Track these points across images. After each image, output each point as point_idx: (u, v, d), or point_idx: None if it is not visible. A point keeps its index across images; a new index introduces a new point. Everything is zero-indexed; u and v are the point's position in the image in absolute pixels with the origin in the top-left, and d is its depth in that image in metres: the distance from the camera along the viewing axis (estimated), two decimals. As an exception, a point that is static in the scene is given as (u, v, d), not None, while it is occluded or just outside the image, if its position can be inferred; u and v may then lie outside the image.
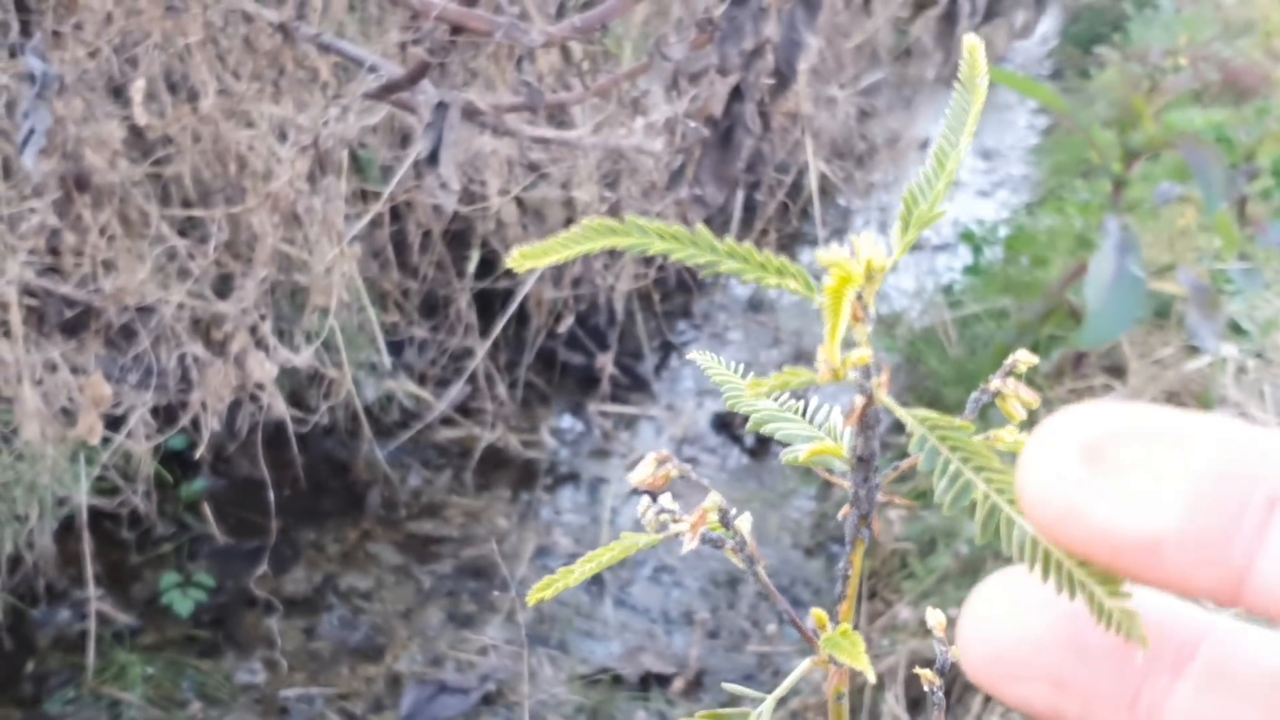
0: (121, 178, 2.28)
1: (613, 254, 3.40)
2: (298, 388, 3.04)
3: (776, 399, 0.38)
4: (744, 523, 0.36)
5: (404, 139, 3.07)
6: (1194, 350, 2.91)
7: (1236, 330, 2.98)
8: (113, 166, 2.21)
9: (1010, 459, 0.28)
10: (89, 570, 2.60)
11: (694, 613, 2.93)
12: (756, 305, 4.32)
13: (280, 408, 2.66)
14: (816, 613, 0.35)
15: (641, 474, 0.35)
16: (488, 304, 3.44)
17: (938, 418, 0.30)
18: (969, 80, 0.32)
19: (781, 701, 0.37)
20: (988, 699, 2.21)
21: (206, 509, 2.93)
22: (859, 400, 0.31)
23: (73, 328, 2.23)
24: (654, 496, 0.36)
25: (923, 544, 2.70)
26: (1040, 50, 7.36)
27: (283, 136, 2.45)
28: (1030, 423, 0.33)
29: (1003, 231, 4.34)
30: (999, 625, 0.30)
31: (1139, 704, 0.29)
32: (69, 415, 2.31)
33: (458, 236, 3.42)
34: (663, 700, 2.67)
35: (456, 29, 1.47)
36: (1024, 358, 0.34)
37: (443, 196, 1.56)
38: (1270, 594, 0.25)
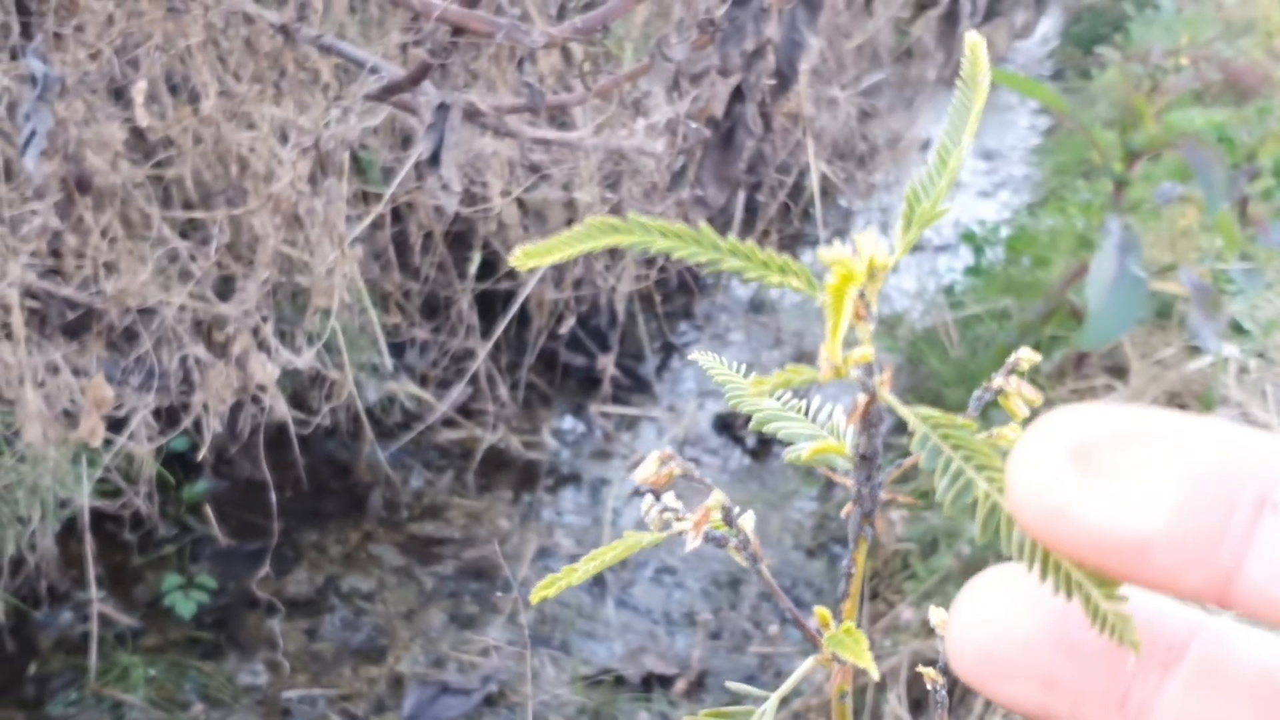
0: (123, 179, 2.28)
1: (614, 255, 3.40)
2: (299, 389, 3.04)
3: (779, 398, 0.38)
4: (747, 521, 0.36)
5: (405, 140, 3.07)
6: (1196, 350, 2.91)
7: (1238, 330, 2.98)
8: (114, 168, 2.21)
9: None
10: (91, 572, 2.60)
11: (696, 613, 2.93)
12: (758, 306, 4.32)
13: (282, 409, 2.66)
14: (820, 611, 0.35)
15: (645, 472, 0.35)
16: (489, 305, 3.44)
17: (940, 416, 0.30)
18: (971, 78, 0.32)
19: (784, 702, 0.37)
20: (989, 701, 2.21)
21: (208, 510, 2.93)
22: (861, 398, 0.31)
23: (74, 330, 2.23)
24: (657, 495, 0.36)
25: (925, 544, 2.70)
26: (1041, 50, 7.35)
27: (284, 138, 2.45)
28: (1033, 419, 0.33)
29: (1004, 232, 4.34)
30: (988, 624, 0.30)
31: (1129, 703, 0.29)
32: (71, 417, 2.31)
33: (459, 238, 3.42)
34: (665, 701, 2.67)
35: (458, 30, 1.47)
36: (1026, 355, 0.34)
37: (444, 198, 1.56)
38: (1258, 595, 0.25)
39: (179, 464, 3.01)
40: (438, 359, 3.50)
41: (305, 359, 2.59)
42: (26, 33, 1.78)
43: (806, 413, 0.38)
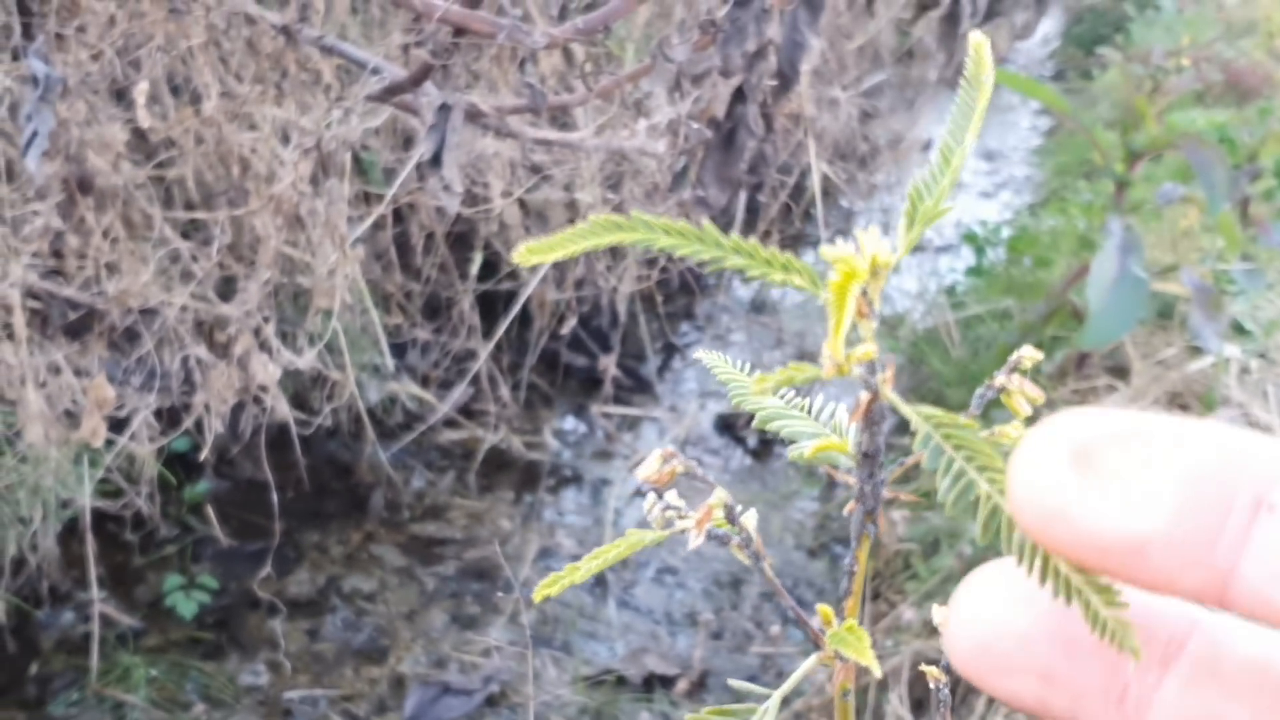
0: (124, 180, 2.28)
1: (615, 255, 3.40)
2: (301, 390, 3.04)
3: (782, 396, 0.38)
4: (749, 519, 0.36)
5: (407, 141, 3.07)
6: (1197, 351, 2.91)
7: (1239, 331, 2.98)
8: (116, 169, 2.21)
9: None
10: (92, 572, 2.61)
11: (697, 614, 2.93)
12: (759, 307, 4.32)
13: (283, 410, 2.66)
14: (822, 609, 0.35)
15: (647, 470, 0.35)
16: (490, 306, 3.44)
17: (942, 415, 0.30)
18: (974, 77, 0.32)
19: (786, 701, 0.37)
20: (991, 700, 2.21)
21: (210, 511, 2.93)
22: (864, 396, 0.31)
23: (76, 330, 2.23)
24: (660, 493, 0.36)
25: (926, 545, 2.70)
26: (1042, 51, 7.35)
27: (285, 139, 2.45)
28: (1035, 420, 0.33)
29: (1005, 233, 4.34)
30: (987, 618, 0.30)
31: (1127, 698, 0.29)
32: (72, 418, 2.31)
33: (460, 238, 3.43)
34: (666, 701, 2.67)
35: (459, 31, 1.47)
36: (1028, 354, 0.34)
37: (445, 199, 1.56)
38: (1255, 595, 0.25)
39: (180, 464, 3.01)
40: (439, 359, 3.50)
41: (307, 359, 2.59)
42: (28, 33, 1.79)
43: (809, 411, 0.38)
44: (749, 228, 3.77)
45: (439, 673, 2.73)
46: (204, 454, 2.56)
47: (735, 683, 0.37)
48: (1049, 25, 7.12)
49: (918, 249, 4.31)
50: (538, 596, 0.35)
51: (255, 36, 2.23)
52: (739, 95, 1.57)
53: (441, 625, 2.87)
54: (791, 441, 0.37)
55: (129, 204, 2.36)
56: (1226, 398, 2.79)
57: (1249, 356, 2.90)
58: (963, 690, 2.30)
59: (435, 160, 1.55)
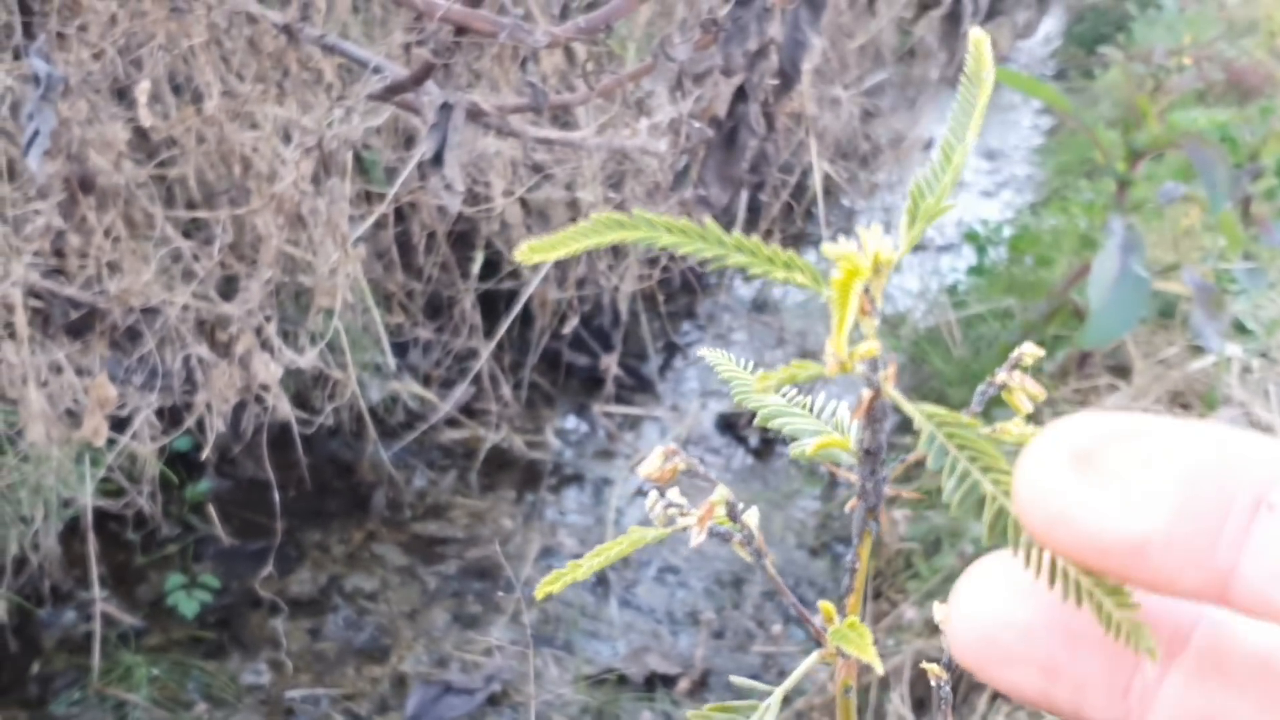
0: (126, 179, 2.28)
1: (617, 255, 3.40)
2: (302, 389, 3.05)
3: (784, 394, 0.38)
4: (751, 517, 0.36)
5: (408, 140, 3.07)
6: (1199, 350, 2.91)
7: (1241, 330, 2.98)
8: (117, 168, 2.21)
9: (1016, 452, 0.28)
10: (94, 571, 2.61)
11: (699, 613, 2.93)
12: (761, 306, 4.32)
13: (285, 409, 2.66)
14: (824, 606, 0.35)
15: (649, 467, 0.35)
16: (492, 305, 3.44)
17: (946, 414, 0.30)
18: (975, 75, 0.32)
19: (787, 701, 0.37)
20: (993, 698, 2.21)
21: (211, 510, 2.93)
22: (866, 393, 0.31)
23: (78, 329, 2.23)
24: (662, 491, 0.36)
25: (928, 544, 2.70)
26: (1044, 50, 7.36)
27: (287, 138, 2.45)
28: (1036, 417, 0.33)
29: (1007, 232, 4.34)
30: (990, 607, 0.30)
31: (1131, 692, 0.29)
32: (74, 417, 2.31)
33: (462, 238, 3.43)
34: (668, 700, 2.67)
35: (461, 30, 1.47)
36: (1029, 350, 0.34)
37: (447, 198, 1.56)
38: (1255, 594, 0.25)
39: (182, 463, 3.01)
40: (441, 358, 3.50)
41: (308, 359, 2.59)
42: (29, 32, 1.79)
43: (810, 409, 0.38)
44: (750, 227, 3.77)
45: (441, 672, 2.73)
46: (206, 453, 2.56)
47: (737, 679, 0.37)
48: (1050, 24, 7.12)
49: (919, 248, 4.31)
50: (540, 594, 0.35)
51: (257, 35, 2.23)
52: (740, 94, 1.57)
53: (443, 624, 2.87)
54: (793, 439, 0.37)
55: (130, 203, 2.36)
56: (1228, 397, 2.79)
57: (1250, 355, 2.90)
58: (965, 689, 2.30)
59: (437, 159, 1.55)
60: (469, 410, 3.47)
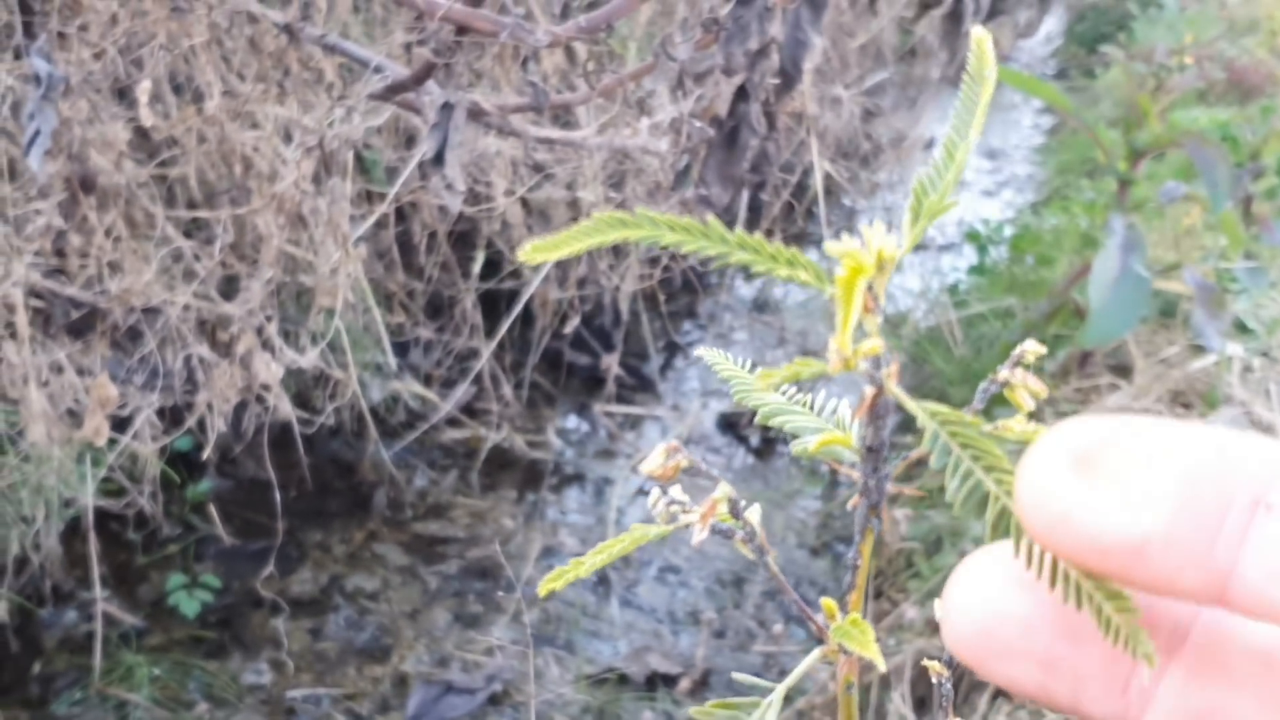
0: (127, 179, 2.28)
1: (618, 254, 3.40)
2: (303, 389, 3.05)
3: (784, 393, 0.38)
4: (753, 514, 0.36)
5: (409, 140, 3.07)
6: (1200, 349, 2.91)
7: (1242, 329, 2.98)
8: (118, 168, 2.21)
9: (1018, 450, 0.28)
10: (95, 571, 2.61)
11: (700, 612, 2.93)
12: (761, 306, 4.32)
13: (286, 409, 2.66)
14: (826, 603, 0.35)
15: (652, 464, 0.35)
16: (493, 305, 3.44)
17: (949, 413, 0.30)
18: (978, 73, 0.32)
19: (787, 700, 0.37)
20: (994, 698, 2.21)
21: (213, 510, 2.93)
22: (869, 390, 0.31)
23: (79, 329, 2.23)
24: (664, 488, 0.36)
25: (929, 543, 2.70)
26: (1045, 49, 7.36)
27: (288, 138, 2.45)
28: (1037, 415, 0.33)
29: (1008, 231, 4.35)
30: (987, 600, 0.30)
31: (1131, 687, 0.29)
32: (75, 417, 2.31)
33: (463, 237, 3.43)
34: (669, 700, 2.67)
35: (461, 29, 1.47)
36: (1031, 348, 0.34)
37: (448, 197, 1.56)
38: (1254, 594, 0.25)
39: (183, 463, 3.01)
40: (442, 358, 3.50)
41: (309, 358, 2.59)
42: (30, 32, 1.79)
43: (811, 407, 0.38)
44: (751, 226, 3.77)
45: (442, 671, 2.73)
46: (207, 453, 2.56)
47: (740, 676, 0.37)
48: (1051, 23, 7.13)
49: (920, 247, 4.31)
50: (543, 590, 0.35)
51: (258, 35, 2.23)
52: (741, 94, 1.57)
53: (444, 624, 2.87)
54: (795, 437, 0.37)
55: (131, 203, 2.36)
56: (1229, 396, 2.79)
57: (1251, 355, 2.90)
58: (966, 688, 2.30)
59: (438, 159, 1.55)
60: (470, 410, 3.48)
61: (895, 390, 0.31)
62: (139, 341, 2.38)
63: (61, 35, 1.86)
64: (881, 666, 0.32)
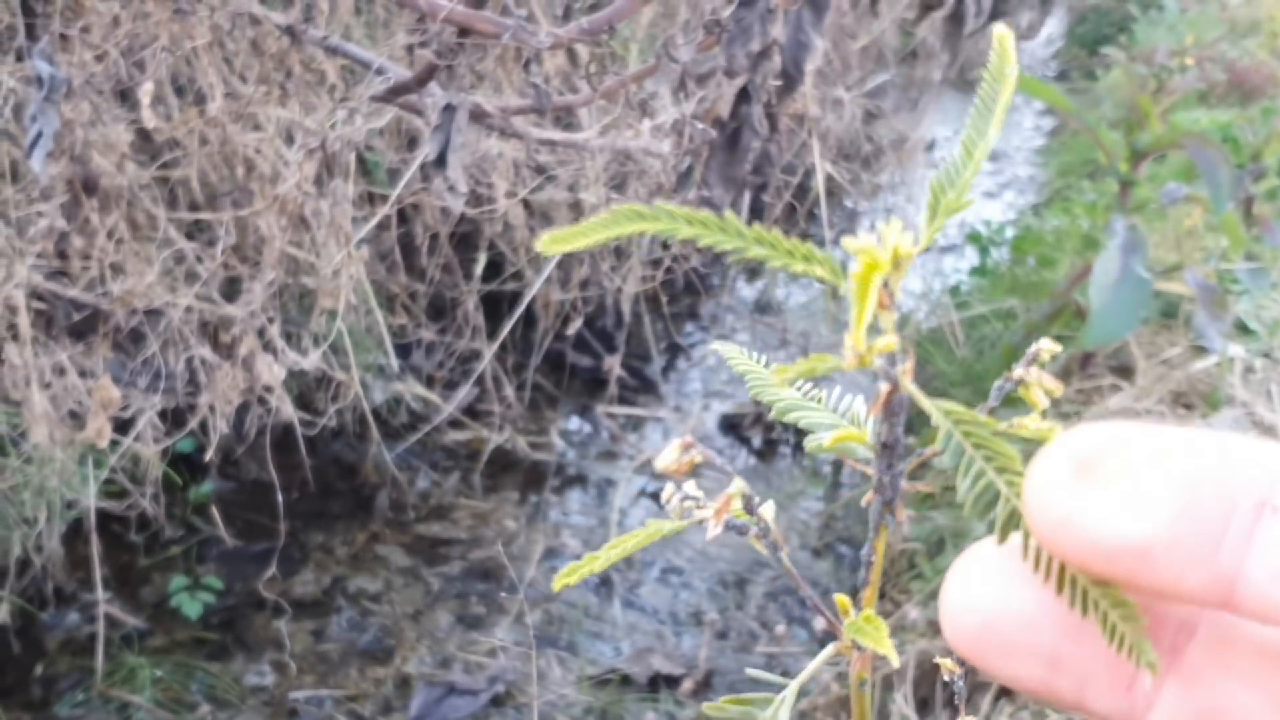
0: (129, 181, 2.28)
1: (620, 256, 3.40)
2: (306, 390, 3.05)
3: (799, 388, 0.38)
4: (768, 510, 0.36)
5: (411, 142, 3.07)
6: (1201, 350, 2.91)
7: (1243, 330, 2.98)
8: (120, 170, 2.21)
9: (1033, 448, 0.28)
10: (97, 573, 2.61)
11: (703, 614, 2.93)
12: (764, 307, 4.32)
13: (288, 410, 2.66)
14: (839, 598, 0.35)
15: (666, 460, 0.35)
16: (495, 306, 3.44)
17: (963, 412, 0.30)
18: (998, 71, 0.32)
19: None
20: (997, 697, 2.20)
21: (215, 511, 2.93)
22: (884, 387, 0.31)
23: (81, 331, 2.23)
24: (678, 483, 0.36)
25: (931, 544, 2.70)
26: (1046, 51, 7.36)
27: (290, 139, 2.45)
28: (1050, 413, 0.33)
29: (1009, 232, 4.35)
30: (990, 595, 0.29)
31: (1136, 684, 0.29)
32: (77, 418, 2.31)
33: (465, 239, 3.43)
34: (672, 701, 2.67)
35: (463, 31, 1.47)
36: (1047, 346, 0.34)
37: (450, 199, 1.56)
38: (1260, 596, 0.25)
39: (185, 465, 3.01)
40: (444, 360, 3.50)
41: (311, 360, 2.59)
42: (32, 34, 1.79)
43: (824, 403, 0.38)
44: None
45: (444, 673, 2.73)
46: (209, 455, 2.56)
47: (754, 672, 0.37)
48: (1053, 25, 7.13)
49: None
50: (557, 585, 0.35)
51: (260, 37, 2.23)
52: (743, 95, 1.57)
53: (446, 625, 2.87)
54: (809, 432, 0.37)
55: (133, 205, 2.36)
56: (1230, 397, 2.79)
57: (1253, 356, 2.90)
58: (968, 688, 2.29)
59: (440, 161, 1.55)
60: (472, 411, 3.48)
61: (910, 387, 0.31)
62: (141, 343, 2.38)
63: (64, 37, 1.86)
64: (895, 662, 0.32)
